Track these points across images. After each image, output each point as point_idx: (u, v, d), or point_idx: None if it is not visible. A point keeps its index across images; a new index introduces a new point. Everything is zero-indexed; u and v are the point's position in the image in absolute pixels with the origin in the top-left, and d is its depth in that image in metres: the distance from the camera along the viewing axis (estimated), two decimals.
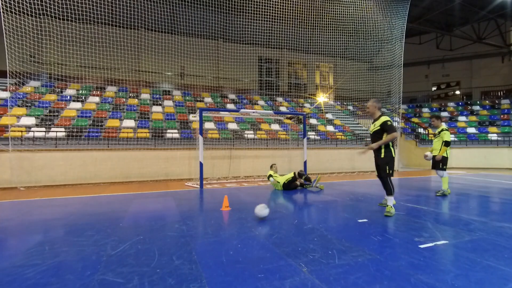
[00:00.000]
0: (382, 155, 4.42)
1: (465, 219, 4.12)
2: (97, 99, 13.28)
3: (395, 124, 4.40)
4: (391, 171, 4.38)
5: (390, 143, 4.42)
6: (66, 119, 10.95)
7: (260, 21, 14.68)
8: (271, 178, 7.53)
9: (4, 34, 9.36)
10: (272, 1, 14.01)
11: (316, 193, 6.78)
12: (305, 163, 9.30)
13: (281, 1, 14.10)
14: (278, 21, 14.57)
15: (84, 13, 11.82)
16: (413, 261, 2.57)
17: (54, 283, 2.20)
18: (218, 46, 16.98)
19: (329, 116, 16.79)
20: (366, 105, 4.70)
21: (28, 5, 9.94)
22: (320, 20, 15.22)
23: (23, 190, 7.60)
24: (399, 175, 11.45)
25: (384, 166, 4.40)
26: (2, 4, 9.27)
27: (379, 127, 4.45)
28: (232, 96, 16.85)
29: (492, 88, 21.53)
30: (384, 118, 4.41)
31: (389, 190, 4.44)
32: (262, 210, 4.16)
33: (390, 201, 4.44)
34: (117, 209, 5.07)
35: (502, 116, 17.64)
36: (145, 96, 14.78)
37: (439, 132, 6.16)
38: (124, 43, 13.07)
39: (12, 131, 8.94)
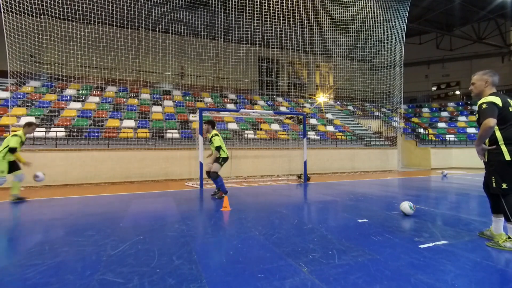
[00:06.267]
0: (486, 158, 2.96)
1: (465, 219, 4.12)
2: (97, 99, 13.28)
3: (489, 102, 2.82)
4: (504, 186, 2.79)
5: (500, 139, 2.82)
6: (66, 119, 10.94)
7: (260, 21, 14.68)
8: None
9: (5, 34, 9.36)
10: (272, 1, 14.01)
11: (316, 193, 6.78)
12: (305, 163, 9.30)
13: (281, 1, 14.11)
14: (278, 21, 14.56)
15: (84, 13, 11.83)
16: (413, 261, 2.57)
17: (54, 283, 2.20)
18: (218, 46, 16.98)
19: (329, 116, 16.79)
20: (472, 80, 3.12)
21: (28, 5, 9.93)
22: (320, 20, 15.23)
23: (23, 190, 7.60)
24: (399, 175, 11.45)
25: (489, 176, 2.93)
26: (2, 4, 9.27)
27: (477, 115, 2.96)
28: (232, 96, 16.84)
29: None
30: (481, 101, 2.91)
31: (505, 214, 2.84)
32: (407, 208, 4.29)
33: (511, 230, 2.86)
34: (117, 209, 5.07)
35: None
36: (145, 96, 14.78)
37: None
38: (124, 43, 13.07)
39: (12, 131, 8.93)
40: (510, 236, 2.86)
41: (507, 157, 2.76)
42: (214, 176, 5.86)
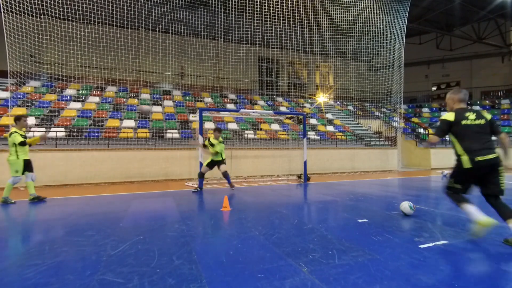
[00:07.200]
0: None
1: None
2: (97, 99, 13.27)
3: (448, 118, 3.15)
4: (453, 186, 3.30)
5: (458, 148, 3.13)
6: (66, 119, 10.94)
7: (260, 21, 14.68)
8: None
9: (5, 34, 9.35)
10: (272, 1, 14.01)
11: (316, 193, 6.78)
12: (305, 163, 9.30)
13: (281, 1, 14.10)
14: (278, 21, 14.56)
15: (84, 13, 11.82)
16: (413, 261, 2.57)
17: (54, 283, 2.20)
18: (218, 46, 16.98)
19: (329, 116, 16.79)
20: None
21: (28, 5, 9.93)
22: (320, 20, 15.22)
23: (23, 190, 7.60)
24: (399, 175, 11.45)
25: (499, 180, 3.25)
26: (2, 4, 9.27)
27: None
28: (232, 96, 16.84)
29: (492, 88, 21.52)
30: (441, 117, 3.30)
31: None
32: (407, 208, 4.32)
33: None
34: (117, 209, 5.07)
35: (502, 116, 17.63)
36: (145, 96, 14.78)
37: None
38: (124, 43, 13.07)
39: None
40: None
41: (463, 165, 3.04)
42: (225, 174, 7.29)
